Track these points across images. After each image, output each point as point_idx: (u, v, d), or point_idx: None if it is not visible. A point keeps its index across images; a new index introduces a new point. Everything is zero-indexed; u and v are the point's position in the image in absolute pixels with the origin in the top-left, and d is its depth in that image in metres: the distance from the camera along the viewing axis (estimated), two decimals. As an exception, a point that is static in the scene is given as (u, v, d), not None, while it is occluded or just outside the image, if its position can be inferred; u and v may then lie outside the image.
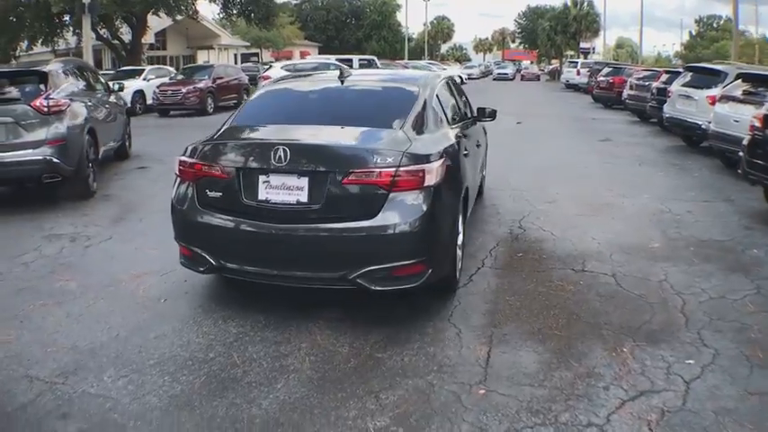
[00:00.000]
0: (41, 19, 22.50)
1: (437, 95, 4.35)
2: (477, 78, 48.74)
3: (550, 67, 54.91)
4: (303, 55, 43.07)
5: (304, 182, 3.34)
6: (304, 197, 3.35)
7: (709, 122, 8.53)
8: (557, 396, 2.85)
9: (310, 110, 4.14)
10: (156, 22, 28.51)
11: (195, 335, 3.48)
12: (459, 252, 4.12)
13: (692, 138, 10.07)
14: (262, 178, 3.41)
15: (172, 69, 21.92)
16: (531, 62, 69.53)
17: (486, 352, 3.26)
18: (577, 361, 3.18)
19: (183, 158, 3.70)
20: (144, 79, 18.22)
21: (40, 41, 23.98)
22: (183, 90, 16.90)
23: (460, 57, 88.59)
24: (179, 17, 27.06)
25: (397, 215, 3.28)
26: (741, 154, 6.34)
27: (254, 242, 3.43)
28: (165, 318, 3.71)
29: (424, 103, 4.03)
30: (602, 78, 19.71)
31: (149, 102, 17.55)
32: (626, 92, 15.67)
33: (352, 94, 4.32)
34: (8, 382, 2.99)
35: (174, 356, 3.23)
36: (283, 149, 3.35)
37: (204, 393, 2.87)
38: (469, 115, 5.87)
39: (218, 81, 18.18)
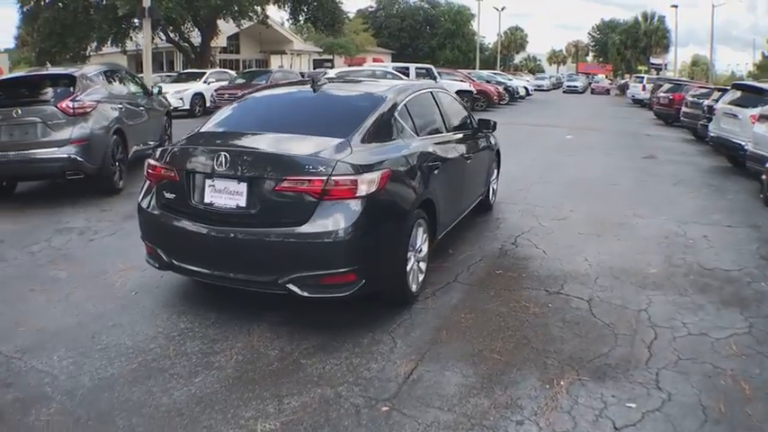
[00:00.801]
0: (109, 20, 23.34)
1: (406, 106, 4.36)
2: (547, 90, 47.87)
3: (621, 81, 53.11)
4: (375, 62, 43.71)
5: (243, 187, 3.47)
6: (243, 202, 3.48)
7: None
8: (461, 424, 2.73)
9: (275, 118, 4.25)
10: (229, 26, 29.63)
11: (147, 326, 3.69)
12: (419, 265, 4.12)
13: (736, 158, 9.47)
14: (208, 182, 3.58)
15: (233, 73, 22.68)
16: (606, 76, 67.35)
17: (410, 369, 3.20)
18: (503, 389, 3.01)
19: (151, 162, 3.92)
20: (204, 82, 18.93)
21: (108, 42, 25.01)
22: (240, 94, 17.47)
23: (534, 68, 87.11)
24: (246, 23, 27.94)
25: (327, 223, 3.33)
26: (764, 177, 5.95)
27: (197, 242, 3.60)
28: (127, 309, 3.95)
29: (385, 112, 4.06)
30: (662, 95, 18.86)
31: (208, 104, 18.24)
32: (682, 109, 14.94)
33: (320, 102, 4.40)
34: (-26, 355, 3.31)
35: (119, 344, 3.45)
36: (224, 155, 3.51)
37: (129, 379, 3.07)
38: (470, 127, 5.85)
39: (276, 86, 18.68)
